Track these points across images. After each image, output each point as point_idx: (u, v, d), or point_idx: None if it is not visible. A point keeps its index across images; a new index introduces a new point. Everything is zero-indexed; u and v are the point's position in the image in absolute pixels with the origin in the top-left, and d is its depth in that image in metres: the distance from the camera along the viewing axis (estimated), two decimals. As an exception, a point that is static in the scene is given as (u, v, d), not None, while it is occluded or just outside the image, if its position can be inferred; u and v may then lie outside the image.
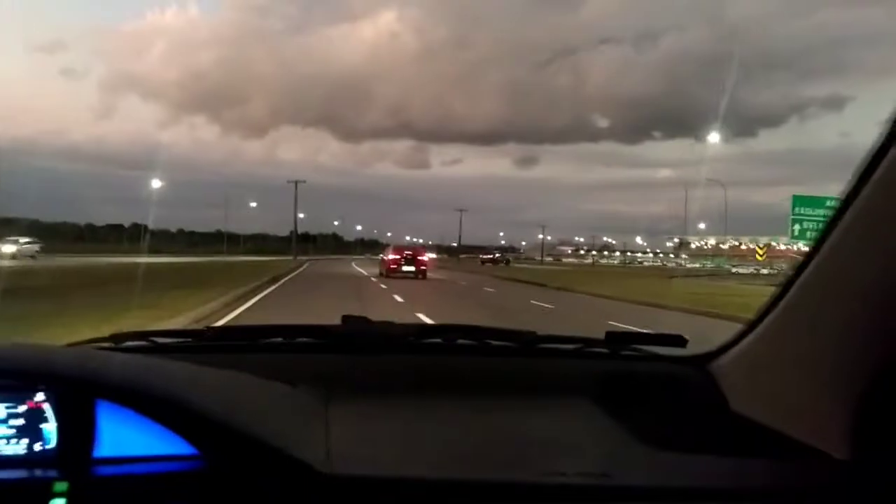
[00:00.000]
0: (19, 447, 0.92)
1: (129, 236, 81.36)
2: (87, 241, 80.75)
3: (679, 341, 1.55)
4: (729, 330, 1.42)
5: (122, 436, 0.91)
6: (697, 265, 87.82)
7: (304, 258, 69.04)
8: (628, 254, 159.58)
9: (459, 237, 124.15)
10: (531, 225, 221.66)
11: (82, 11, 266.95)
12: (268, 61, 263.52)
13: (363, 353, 1.49)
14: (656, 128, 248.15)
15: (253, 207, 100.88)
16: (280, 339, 1.54)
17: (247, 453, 0.90)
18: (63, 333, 6.55)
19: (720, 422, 1.27)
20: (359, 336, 1.56)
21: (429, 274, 29.39)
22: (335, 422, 1.12)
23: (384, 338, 1.57)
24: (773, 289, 1.22)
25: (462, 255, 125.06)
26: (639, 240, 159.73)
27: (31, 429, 0.92)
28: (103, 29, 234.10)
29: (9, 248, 35.79)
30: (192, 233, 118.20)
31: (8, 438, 0.93)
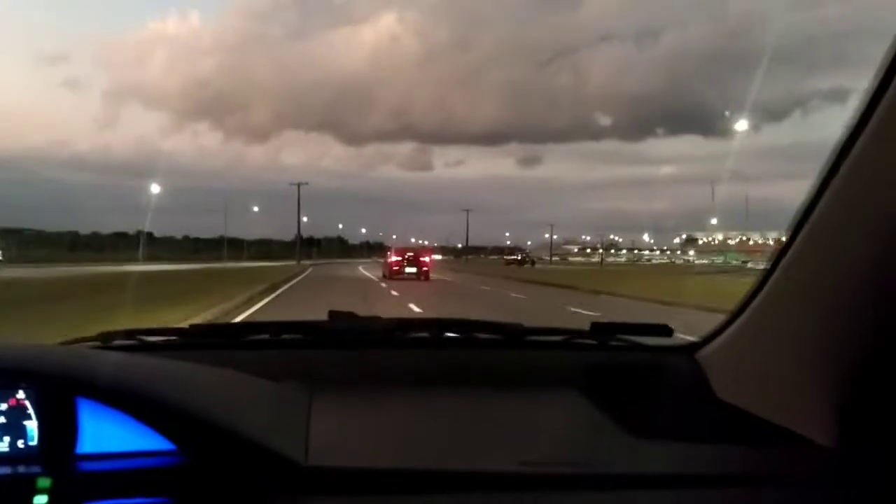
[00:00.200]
0: (2, 444, 0.94)
1: (133, 244, 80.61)
2: (89, 249, 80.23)
3: (665, 331, 1.55)
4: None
5: (103, 432, 0.93)
6: (706, 261, 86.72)
7: (308, 262, 68.33)
8: (635, 251, 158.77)
9: (467, 238, 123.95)
10: (536, 224, 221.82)
11: (85, 23, 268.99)
12: (269, 67, 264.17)
13: (349, 347, 1.50)
14: (659, 124, 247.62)
15: (256, 212, 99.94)
16: (266, 336, 1.55)
17: (224, 447, 0.91)
18: None
19: (706, 410, 1.27)
20: (345, 331, 1.56)
21: (445, 279, 28.85)
22: (317, 415, 1.12)
23: (370, 332, 1.57)
24: None
25: (468, 256, 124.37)
26: (646, 237, 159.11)
27: (13, 426, 0.93)
28: (106, 39, 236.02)
29: None
30: (197, 239, 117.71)
31: None
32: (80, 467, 0.91)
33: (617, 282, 26.85)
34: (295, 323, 1.57)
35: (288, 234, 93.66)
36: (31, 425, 0.93)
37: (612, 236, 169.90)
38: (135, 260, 48.00)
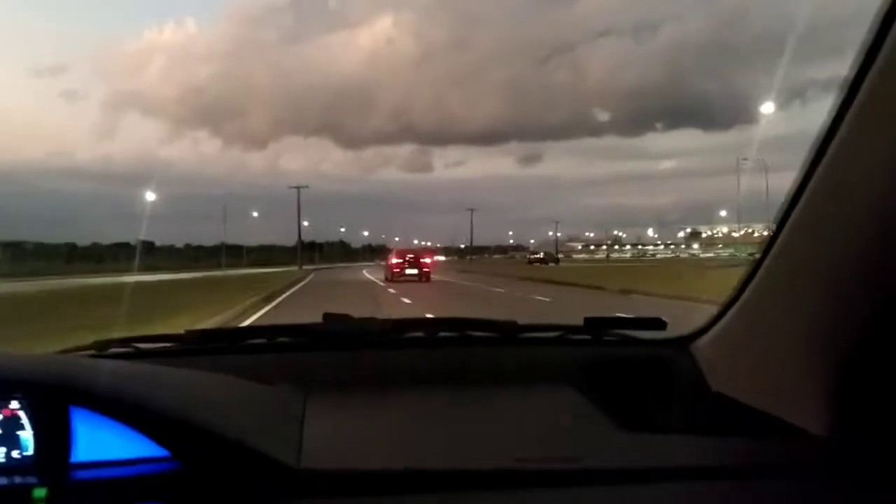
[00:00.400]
0: None
1: (134, 254, 79.68)
2: (89, 260, 79.36)
3: (659, 324, 1.55)
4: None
5: (97, 440, 0.93)
6: (711, 254, 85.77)
7: (311, 267, 67.27)
8: (639, 247, 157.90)
9: (471, 237, 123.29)
10: (538, 222, 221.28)
11: (81, 33, 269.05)
12: (266, 72, 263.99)
13: (343, 349, 1.50)
14: (658, 119, 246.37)
15: (257, 218, 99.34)
16: (261, 340, 1.55)
17: (216, 452, 0.92)
18: None
19: (701, 402, 1.27)
20: (339, 333, 1.55)
21: (458, 282, 28.31)
22: (311, 418, 1.13)
23: (364, 334, 1.56)
24: None
25: (471, 256, 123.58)
26: (650, 232, 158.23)
27: (8, 436, 0.94)
28: (103, 49, 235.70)
29: None
30: (199, 247, 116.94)
31: None
32: (75, 476, 0.91)
33: (640, 279, 24.85)
34: (290, 326, 1.58)
35: (290, 240, 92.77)
36: (26, 435, 0.94)
37: (615, 232, 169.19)
38: (130, 270, 46.90)
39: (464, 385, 1.37)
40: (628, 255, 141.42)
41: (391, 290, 22.03)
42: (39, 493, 0.87)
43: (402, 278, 28.46)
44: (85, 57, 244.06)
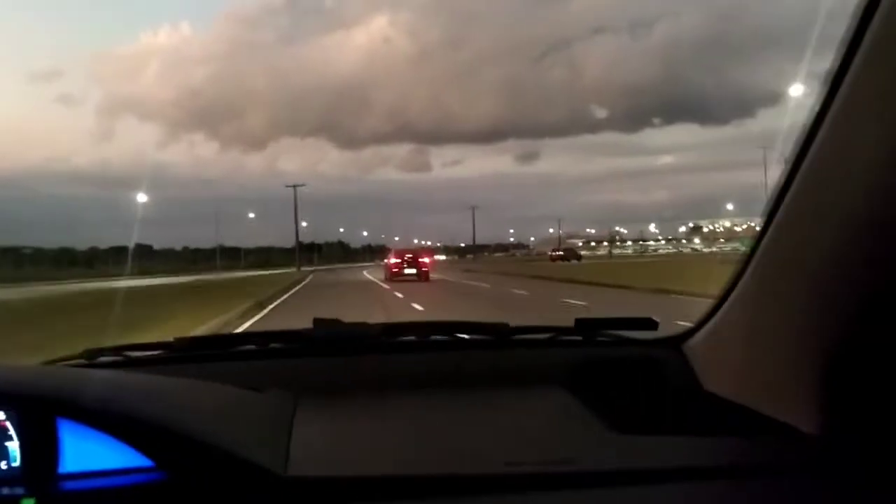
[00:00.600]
0: None
1: (132, 258, 78.48)
2: (87, 265, 78.27)
3: (650, 324, 1.55)
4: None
5: (85, 450, 0.93)
6: (715, 249, 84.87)
7: (309, 268, 66.24)
8: (640, 242, 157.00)
9: (473, 236, 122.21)
10: (537, 220, 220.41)
11: (77, 38, 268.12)
12: (263, 74, 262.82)
13: (334, 354, 1.49)
14: (656, 114, 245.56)
15: (255, 220, 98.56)
16: (251, 347, 1.54)
17: (201, 461, 0.92)
18: None
19: (694, 402, 1.27)
20: (330, 338, 1.54)
21: (468, 282, 27.74)
22: (300, 425, 1.12)
23: (355, 339, 1.55)
24: None
25: (471, 255, 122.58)
26: (652, 227, 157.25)
27: None
28: (98, 54, 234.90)
29: None
30: (197, 250, 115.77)
31: None
32: (62, 487, 0.91)
33: (663, 276, 22.57)
34: (280, 332, 1.58)
35: (288, 241, 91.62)
36: (13, 446, 0.93)
37: (616, 228, 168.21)
38: (122, 275, 45.71)
39: (456, 389, 1.35)
40: (630, 251, 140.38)
41: (398, 294, 20.15)
42: (27, 503, 0.87)
43: (402, 278, 28.59)
44: (81, 61, 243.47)
